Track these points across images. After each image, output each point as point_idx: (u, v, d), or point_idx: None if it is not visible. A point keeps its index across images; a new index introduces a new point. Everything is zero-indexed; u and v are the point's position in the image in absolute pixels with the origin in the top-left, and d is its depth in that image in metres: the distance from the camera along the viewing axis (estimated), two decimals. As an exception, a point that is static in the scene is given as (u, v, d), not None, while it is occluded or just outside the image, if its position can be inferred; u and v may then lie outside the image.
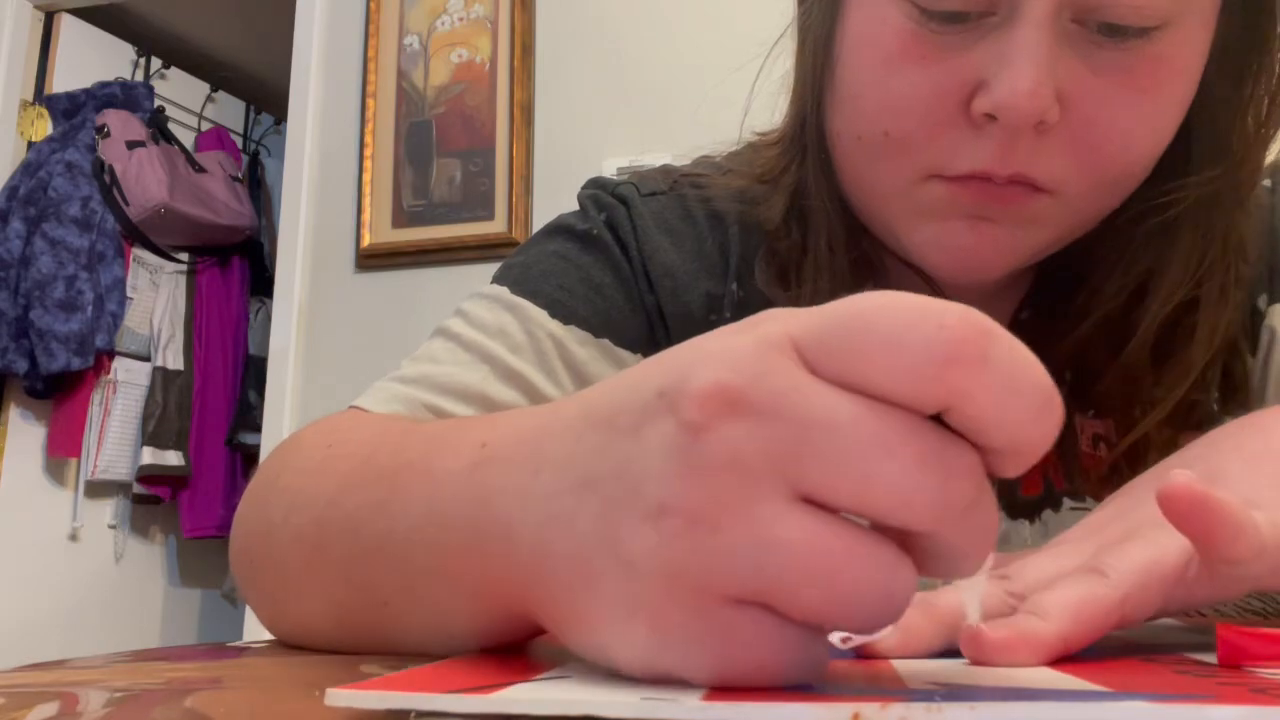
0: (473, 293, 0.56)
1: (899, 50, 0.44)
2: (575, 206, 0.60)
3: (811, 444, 0.19)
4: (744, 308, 0.55)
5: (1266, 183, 0.54)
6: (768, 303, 0.54)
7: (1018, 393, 0.20)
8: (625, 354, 0.54)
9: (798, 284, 0.53)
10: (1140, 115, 0.43)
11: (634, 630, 0.20)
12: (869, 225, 0.53)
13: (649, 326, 0.55)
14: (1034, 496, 0.52)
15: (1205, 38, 0.44)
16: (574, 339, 0.53)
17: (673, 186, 0.59)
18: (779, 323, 0.21)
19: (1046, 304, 0.52)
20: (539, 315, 0.53)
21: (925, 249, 0.48)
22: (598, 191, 0.59)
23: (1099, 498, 0.46)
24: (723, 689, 0.19)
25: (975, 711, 0.15)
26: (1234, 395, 0.52)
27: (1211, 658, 0.27)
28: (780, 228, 0.55)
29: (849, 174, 0.51)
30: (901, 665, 0.25)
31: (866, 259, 0.53)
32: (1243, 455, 0.34)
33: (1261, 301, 0.53)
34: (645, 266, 0.55)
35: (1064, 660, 0.26)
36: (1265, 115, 0.47)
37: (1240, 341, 0.52)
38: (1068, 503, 0.52)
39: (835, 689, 0.19)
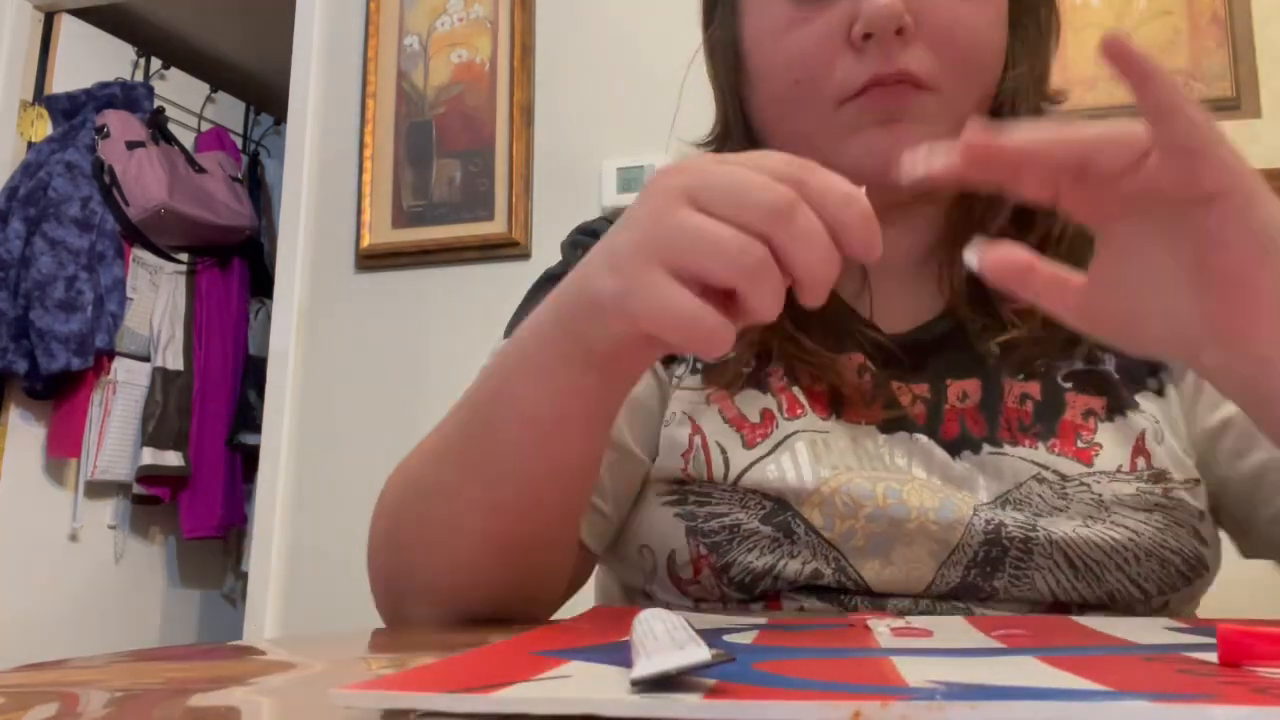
0: (491, 350, 0.66)
1: (786, 24, 0.59)
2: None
3: (711, 180, 0.39)
4: None
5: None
6: None
7: (812, 244, 0.38)
8: None
9: None
10: (974, 17, 0.58)
11: (607, 279, 0.40)
12: None
13: None
14: (953, 438, 0.60)
15: None
16: None
17: None
18: (679, 179, 0.40)
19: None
20: None
21: (856, 159, 0.58)
22: (577, 236, 0.72)
23: (1022, 444, 0.59)
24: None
25: (976, 710, 0.15)
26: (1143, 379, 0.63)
27: (1212, 657, 0.27)
28: None
29: (778, 137, 0.63)
30: (902, 663, 0.25)
31: None
32: None
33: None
34: None
35: (1063, 660, 0.26)
36: (1038, 26, 0.64)
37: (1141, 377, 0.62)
38: (986, 448, 0.59)
39: (837, 687, 0.19)
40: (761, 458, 0.59)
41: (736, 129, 0.66)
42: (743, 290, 0.37)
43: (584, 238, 0.70)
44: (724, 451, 0.59)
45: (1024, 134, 0.40)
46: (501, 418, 0.48)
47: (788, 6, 0.59)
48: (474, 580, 0.51)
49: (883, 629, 0.39)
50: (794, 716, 0.17)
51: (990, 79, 0.61)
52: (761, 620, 0.46)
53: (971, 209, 0.63)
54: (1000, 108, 0.62)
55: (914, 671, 0.22)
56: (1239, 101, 1.69)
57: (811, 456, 0.58)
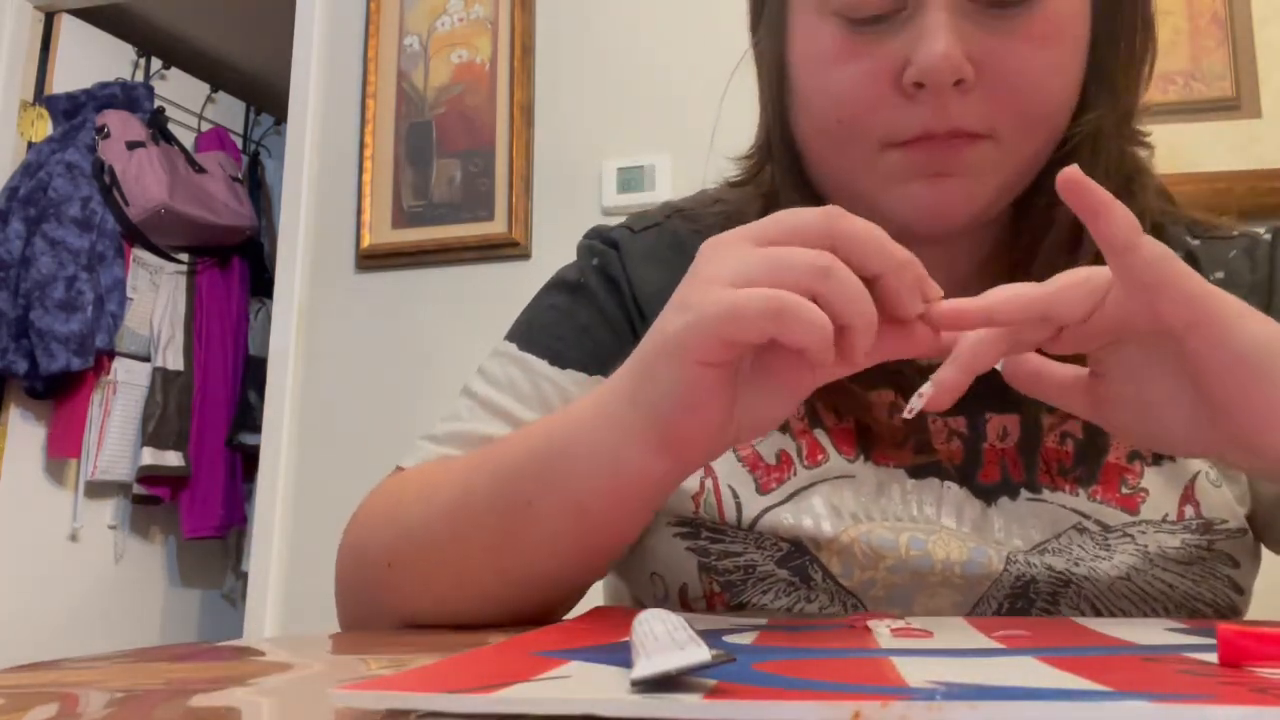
0: (492, 350, 0.66)
1: (835, 54, 0.54)
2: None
3: (767, 231, 0.40)
4: None
5: (1266, 235, 0.61)
6: None
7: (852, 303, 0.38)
8: None
9: None
10: (1040, 62, 0.52)
11: (678, 315, 0.40)
12: (845, 206, 0.59)
13: None
14: (992, 484, 0.57)
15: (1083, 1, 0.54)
16: (572, 381, 0.62)
17: (665, 219, 0.68)
18: (730, 237, 0.41)
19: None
20: (540, 365, 0.62)
21: (898, 210, 0.55)
22: (593, 241, 0.68)
23: (1062, 489, 0.56)
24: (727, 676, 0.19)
25: (976, 710, 0.15)
26: None
27: (1212, 658, 0.27)
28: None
29: (821, 167, 0.59)
30: (902, 664, 0.25)
31: None
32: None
33: None
34: (635, 297, 0.64)
35: (1063, 660, 0.26)
36: (1132, 56, 0.57)
37: None
38: (1025, 494, 0.56)
39: (837, 688, 0.19)
40: (775, 505, 0.56)
41: (779, 147, 0.61)
42: (780, 336, 0.37)
43: (600, 244, 0.67)
44: (736, 495, 0.57)
45: (984, 300, 0.41)
46: (546, 499, 0.46)
47: (838, 34, 0.53)
48: (477, 621, 0.50)
49: (883, 629, 0.39)
50: (794, 717, 0.17)
51: (1057, 125, 0.55)
52: (762, 621, 0.46)
53: (1021, 232, 0.59)
54: (1075, 151, 0.56)
55: (914, 672, 0.22)
56: (1239, 101, 1.69)
57: (829, 509, 0.56)
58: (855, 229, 0.39)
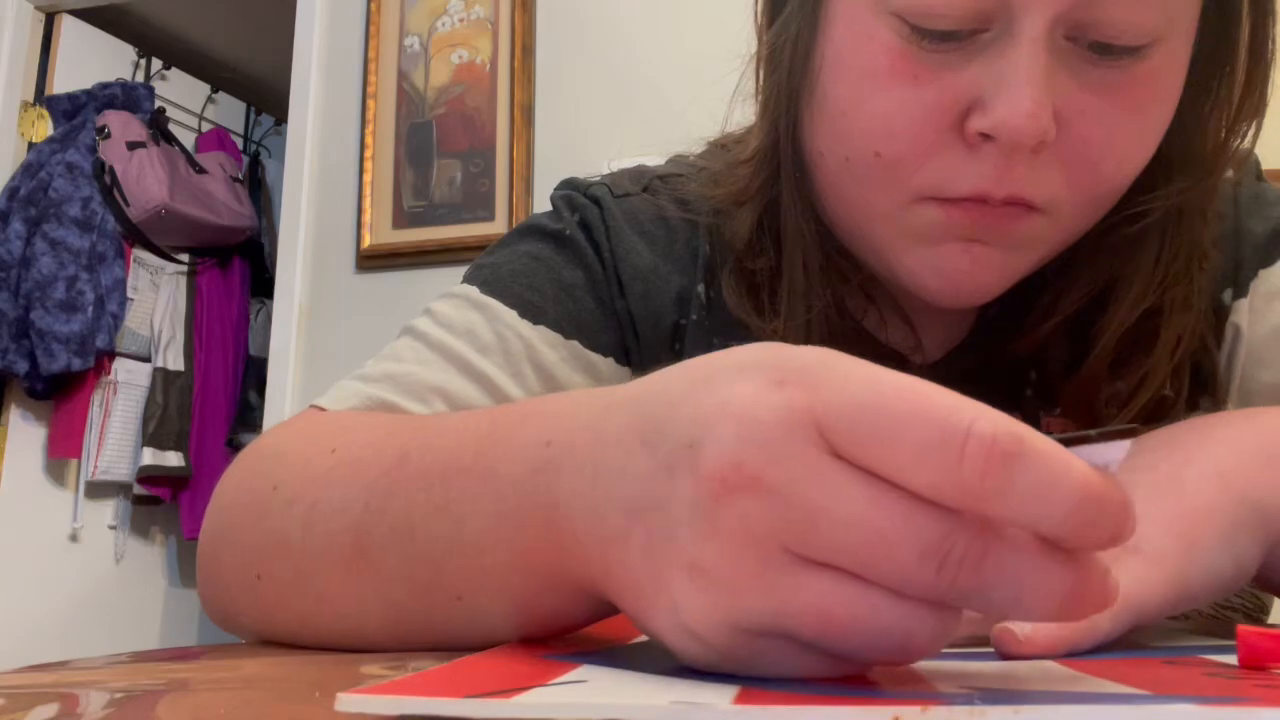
0: (442, 292, 0.55)
1: (888, 68, 0.42)
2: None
3: (817, 529, 0.21)
4: (712, 310, 0.55)
5: (1230, 174, 0.53)
6: (742, 324, 0.54)
7: (1046, 500, 0.20)
8: (596, 357, 0.54)
9: (773, 312, 0.52)
10: (1132, 133, 0.43)
11: (689, 646, 0.24)
12: (850, 246, 0.52)
13: (619, 330, 0.55)
14: None
15: (1187, 54, 0.44)
16: (543, 340, 0.53)
17: (646, 188, 0.59)
18: (807, 393, 0.22)
19: (1014, 301, 0.51)
20: (508, 315, 0.53)
21: (917, 272, 0.47)
22: (570, 192, 0.59)
23: None
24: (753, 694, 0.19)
25: (1020, 715, 0.15)
26: (1205, 390, 0.53)
27: (1231, 659, 0.27)
28: (751, 245, 0.54)
29: (833, 195, 0.50)
30: (927, 668, 0.24)
31: (844, 281, 0.53)
32: (1185, 472, 0.36)
33: (1226, 295, 0.53)
34: (617, 269, 0.55)
35: (1084, 664, 0.26)
36: (1229, 126, 0.47)
37: (1207, 337, 0.53)
38: None
39: (872, 693, 0.19)
40: None
41: (786, 154, 0.51)
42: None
43: (581, 197, 0.58)
44: None
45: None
46: (479, 597, 0.33)
47: (895, 44, 0.42)
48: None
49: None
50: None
51: (1115, 200, 0.46)
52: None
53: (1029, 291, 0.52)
54: (1147, 231, 0.48)
55: (938, 674, 0.22)
56: (1242, 102, 1.68)
57: None
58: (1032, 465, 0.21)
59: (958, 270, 0.45)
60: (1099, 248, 0.49)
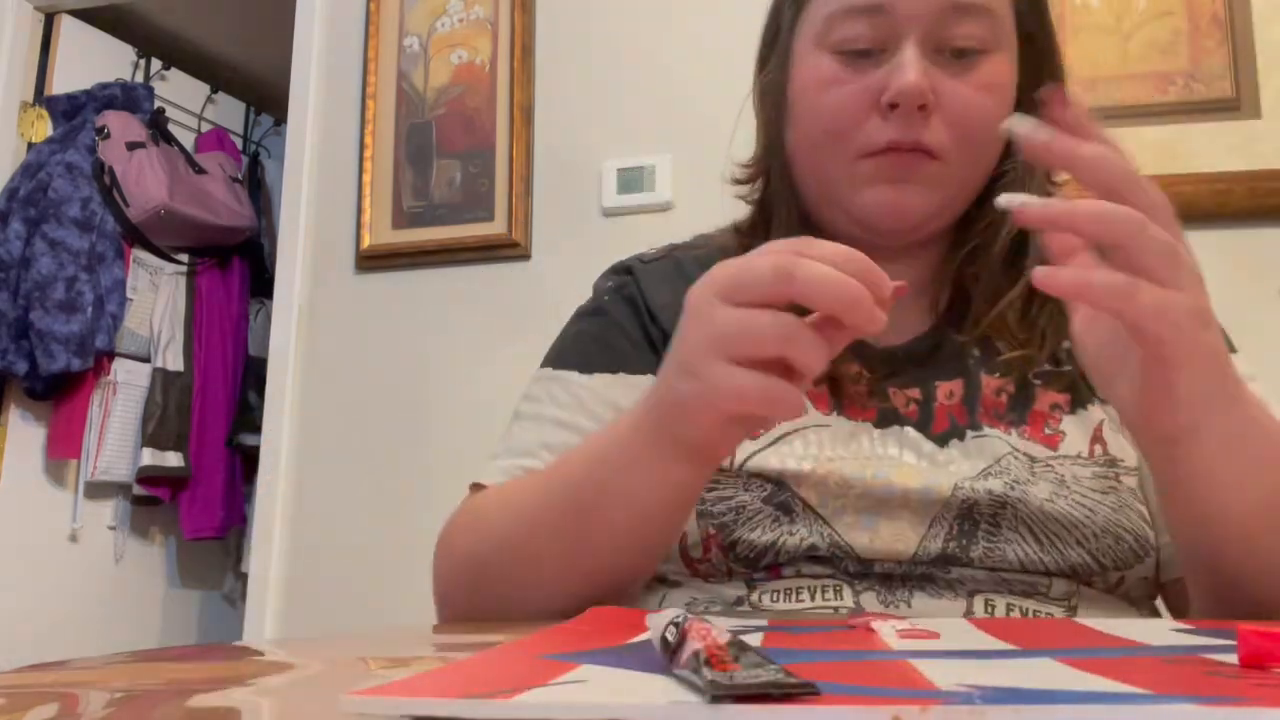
0: (530, 378, 0.77)
1: (831, 80, 0.68)
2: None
3: (738, 330, 0.47)
4: None
5: None
6: None
7: (825, 283, 0.45)
8: (639, 378, 0.72)
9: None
10: (981, 104, 0.67)
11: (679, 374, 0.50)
12: (821, 211, 0.75)
13: (654, 351, 0.74)
14: (943, 431, 0.69)
15: (1013, 61, 0.70)
16: (600, 382, 0.73)
17: (669, 254, 0.80)
18: (705, 289, 0.49)
19: (960, 302, 0.74)
20: (572, 376, 0.74)
21: (866, 208, 0.70)
22: (610, 276, 0.81)
23: (997, 428, 0.68)
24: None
25: (1020, 715, 0.15)
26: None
27: (1231, 659, 0.27)
28: (748, 226, 0.79)
29: (807, 175, 0.74)
30: (922, 666, 0.24)
31: (813, 228, 0.76)
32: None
33: None
34: (649, 307, 0.76)
35: (1083, 661, 0.26)
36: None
37: None
38: (970, 433, 0.69)
39: (869, 691, 0.19)
40: (763, 448, 0.67)
41: (775, 162, 0.75)
42: (788, 355, 0.46)
43: (616, 276, 0.80)
44: None
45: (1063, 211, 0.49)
46: (601, 504, 0.56)
47: (833, 65, 0.68)
48: (553, 609, 0.59)
49: (888, 630, 0.38)
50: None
51: (991, 156, 0.71)
52: (762, 622, 0.45)
53: (962, 246, 0.74)
54: (1010, 184, 0.71)
55: (937, 674, 0.22)
56: (1239, 101, 1.68)
57: (805, 447, 0.67)
58: (810, 278, 0.45)
59: (890, 203, 0.69)
60: (990, 226, 0.72)
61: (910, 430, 0.69)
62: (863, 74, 0.67)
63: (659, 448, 0.53)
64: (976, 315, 0.73)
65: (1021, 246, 0.72)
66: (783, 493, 0.65)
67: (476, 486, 0.71)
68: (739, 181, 0.80)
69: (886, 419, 0.69)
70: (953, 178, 0.69)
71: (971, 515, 0.64)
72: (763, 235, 0.75)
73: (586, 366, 0.74)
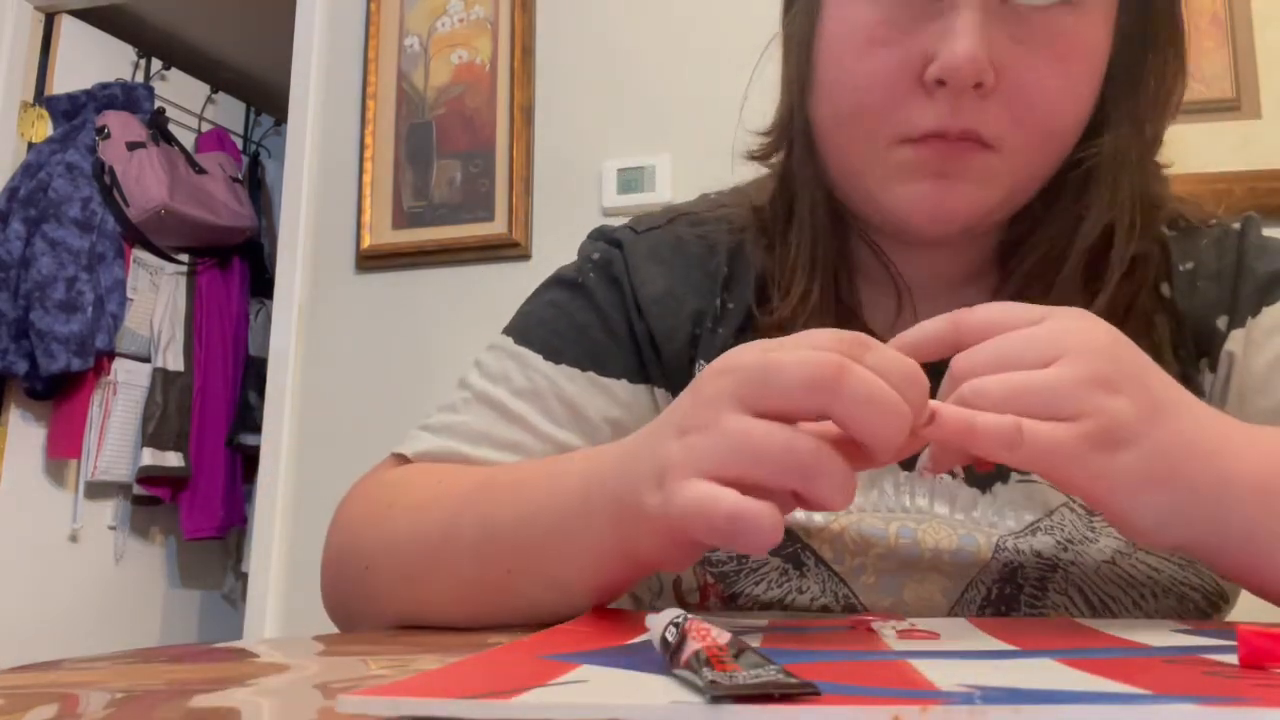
0: (489, 343, 0.66)
1: (866, 39, 0.54)
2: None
3: (734, 447, 0.36)
4: (727, 319, 0.64)
5: (1236, 225, 0.64)
6: (749, 313, 0.63)
7: (872, 405, 0.35)
8: (611, 381, 0.63)
9: (783, 245, 0.63)
10: (1060, 80, 0.53)
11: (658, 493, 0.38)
12: (848, 199, 0.62)
13: (637, 352, 0.64)
14: (985, 473, 0.58)
15: (1108, 19, 0.55)
16: (564, 376, 0.62)
17: (669, 221, 0.68)
18: (721, 382, 0.38)
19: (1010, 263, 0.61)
20: (535, 360, 0.63)
21: (899, 207, 0.56)
22: (596, 242, 0.68)
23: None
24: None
25: (1020, 714, 0.15)
26: None
27: (1231, 659, 0.27)
28: (768, 204, 0.65)
29: (832, 154, 0.60)
30: (922, 666, 0.24)
31: (840, 219, 0.63)
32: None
33: (1221, 322, 0.59)
34: (636, 298, 0.64)
35: (1084, 662, 0.26)
36: (1161, 87, 0.58)
37: (1189, 364, 0.59)
38: (1015, 476, 0.58)
39: (869, 691, 0.19)
40: None
41: (798, 129, 0.61)
42: (800, 490, 0.36)
43: (603, 244, 0.67)
44: None
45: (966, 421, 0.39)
46: (525, 573, 0.46)
47: (872, 14, 0.53)
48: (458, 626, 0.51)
49: (888, 631, 0.38)
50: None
51: (1064, 145, 0.56)
52: (762, 622, 0.45)
53: (1013, 244, 0.61)
54: (1094, 174, 0.57)
55: (937, 674, 0.22)
56: (1239, 102, 1.68)
57: None
58: (858, 396, 0.35)
59: (931, 202, 0.55)
60: (1058, 195, 0.59)
61: (944, 476, 0.57)
62: (907, 33, 0.52)
63: (603, 543, 0.43)
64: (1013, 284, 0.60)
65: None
66: (792, 544, 0.56)
67: (399, 456, 0.61)
68: (755, 157, 0.67)
69: (914, 456, 0.58)
70: (1012, 172, 0.55)
71: (1014, 579, 0.55)
72: (784, 220, 0.63)
73: (553, 353, 0.62)
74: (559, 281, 0.67)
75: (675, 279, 0.64)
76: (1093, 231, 0.57)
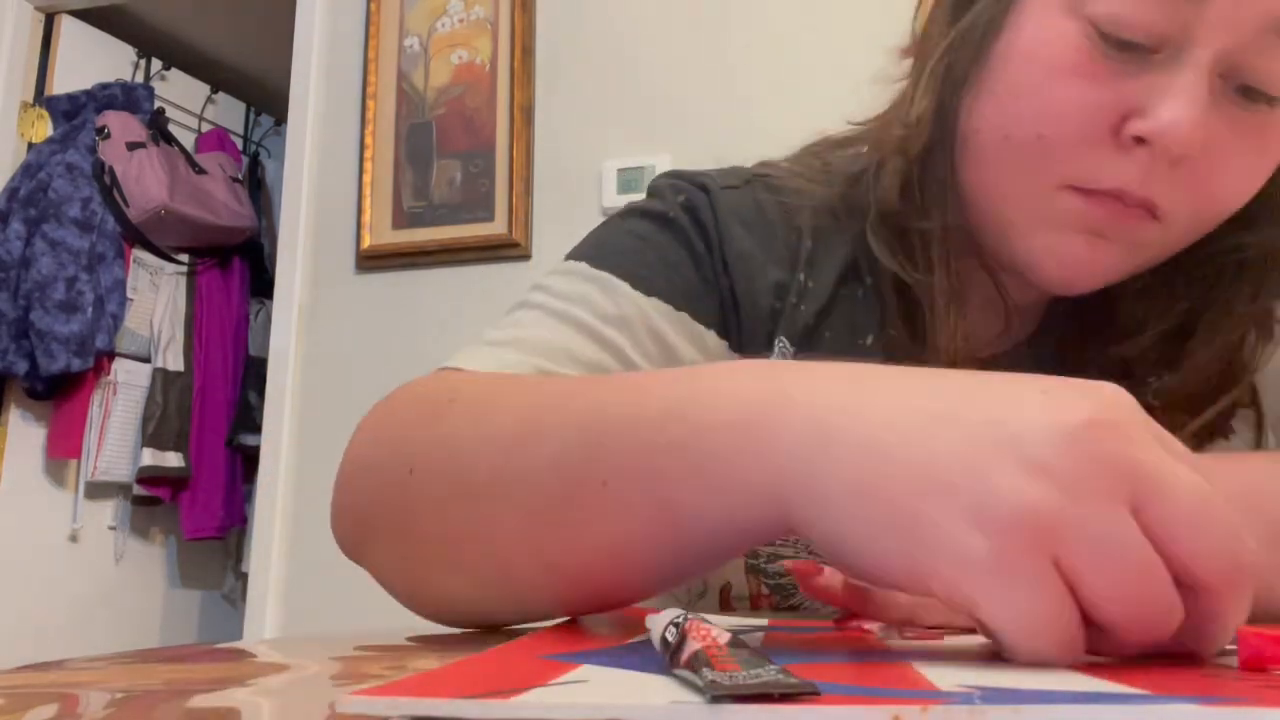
0: (549, 270, 0.56)
1: (1070, 64, 0.47)
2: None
3: (1098, 570, 0.25)
4: (809, 297, 0.58)
5: None
6: (833, 296, 0.58)
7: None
8: (703, 329, 0.55)
9: (927, 268, 0.56)
10: (1250, 171, 0.49)
11: (968, 541, 0.25)
12: (976, 220, 0.55)
13: (721, 306, 0.56)
14: None
15: None
16: (655, 310, 0.53)
17: (746, 183, 0.61)
18: (1134, 452, 0.26)
19: (1087, 304, 0.56)
20: (622, 286, 0.53)
21: (1037, 255, 0.51)
22: (676, 180, 0.60)
23: None
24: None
25: (1020, 715, 0.15)
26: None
27: (1231, 661, 0.27)
28: (901, 200, 0.56)
29: (977, 172, 0.53)
30: (923, 667, 0.24)
31: (972, 246, 0.56)
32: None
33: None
34: (723, 250, 0.57)
35: (1086, 664, 0.26)
36: None
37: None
38: None
39: (869, 692, 0.19)
40: None
41: (950, 123, 0.54)
42: (1122, 632, 0.26)
43: (687, 184, 0.59)
44: None
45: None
46: (625, 488, 0.34)
47: (1082, 44, 0.47)
48: (487, 614, 0.43)
49: (890, 631, 0.38)
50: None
51: (1214, 227, 0.52)
52: (763, 622, 0.45)
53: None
54: (1248, 263, 0.53)
55: (937, 674, 0.22)
56: None
57: None
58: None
59: (1078, 259, 0.50)
60: (1197, 275, 0.54)
61: None
62: (1118, 75, 0.47)
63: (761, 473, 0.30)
64: (1124, 325, 0.55)
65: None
66: None
67: (445, 369, 0.50)
68: (863, 131, 0.59)
69: None
70: (1164, 245, 0.51)
71: None
72: (919, 209, 0.56)
73: (642, 283, 0.53)
74: (642, 212, 0.58)
75: (757, 243, 0.58)
76: (1236, 327, 0.54)
